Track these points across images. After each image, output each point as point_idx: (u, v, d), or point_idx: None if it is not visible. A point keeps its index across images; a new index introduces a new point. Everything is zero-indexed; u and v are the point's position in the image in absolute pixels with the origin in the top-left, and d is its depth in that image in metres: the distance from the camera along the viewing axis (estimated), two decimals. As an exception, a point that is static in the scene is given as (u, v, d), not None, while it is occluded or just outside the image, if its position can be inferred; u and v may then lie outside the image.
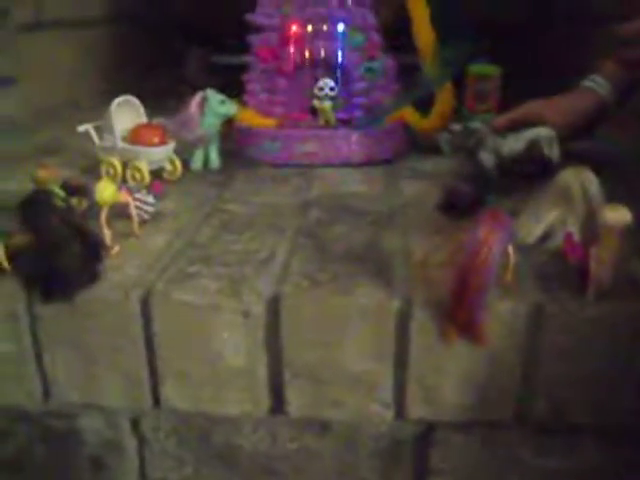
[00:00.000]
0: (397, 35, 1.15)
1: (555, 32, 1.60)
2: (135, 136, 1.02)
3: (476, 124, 1.01)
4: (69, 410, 0.78)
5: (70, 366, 0.73)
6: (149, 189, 0.88)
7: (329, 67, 1.14)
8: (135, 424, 0.78)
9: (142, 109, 1.06)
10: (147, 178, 0.99)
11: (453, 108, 1.17)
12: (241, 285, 0.70)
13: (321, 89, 1.12)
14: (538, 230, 0.76)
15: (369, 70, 1.15)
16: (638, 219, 0.63)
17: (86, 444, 0.79)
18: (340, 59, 1.14)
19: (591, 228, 0.70)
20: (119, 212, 0.82)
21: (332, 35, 1.13)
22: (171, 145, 1.04)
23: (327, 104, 1.12)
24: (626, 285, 0.67)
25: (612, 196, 0.70)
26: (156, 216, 0.87)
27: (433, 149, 1.15)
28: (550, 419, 0.69)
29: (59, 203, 0.72)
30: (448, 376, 0.68)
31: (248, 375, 0.71)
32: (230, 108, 1.07)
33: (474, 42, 1.08)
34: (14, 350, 0.73)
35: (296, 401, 0.72)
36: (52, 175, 0.85)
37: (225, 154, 1.13)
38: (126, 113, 1.04)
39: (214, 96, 1.05)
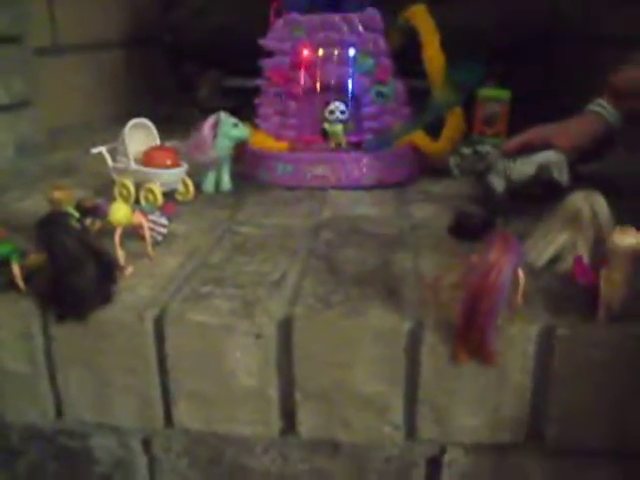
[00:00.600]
0: (407, 59, 1.16)
1: (564, 54, 1.61)
2: (148, 158, 1.04)
3: (486, 148, 1.02)
4: (81, 429, 0.78)
5: (83, 385, 0.74)
6: (162, 211, 0.89)
7: (340, 91, 1.15)
8: (147, 444, 0.78)
9: (155, 131, 1.07)
10: (160, 200, 0.99)
11: (463, 132, 1.18)
12: (253, 306, 0.71)
13: (332, 112, 1.13)
14: (548, 253, 0.77)
15: (379, 94, 1.16)
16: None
17: (98, 463, 0.80)
18: (351, 83, 1.15)
19: (601, 251, 0.70)
20: (132, 233, 0.83)
21: (343, 59, 1.15)
22: (184, 167, 1.05)
23: (338, 127, 1.13)
24: (637, 307, 0.67)
25: (621, 219, 0.71)
26: (169, 238, 0.88)
27: (443, 172, 1.16)
28: (562, 442, 0.69)
29: (74, 224, 0.72)
30: (459, 398, 0.68)
31: (260, 396, 0.71)
32: (242, 131, 1.08)
33: (484, 66, 1.09)
34: (28, 369, 0.74)
35: (307, 422, 0.72)
36: (67, 196, 0.87)
37: (237, 177, 1.14)
38: (139, 135, 1.05)
39: (227, 119, 1.06)
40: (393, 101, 1.18)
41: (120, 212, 0.79)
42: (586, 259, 0.71)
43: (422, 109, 1.15)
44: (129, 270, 0.78)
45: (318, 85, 1.16)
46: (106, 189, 1.07)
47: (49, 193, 0.87)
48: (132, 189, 1.03)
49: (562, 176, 0.95)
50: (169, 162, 1.04)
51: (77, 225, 0.75)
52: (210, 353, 0.70)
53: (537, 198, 0.95)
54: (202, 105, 1.69)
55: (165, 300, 0.72)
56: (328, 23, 1.15)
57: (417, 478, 0.75)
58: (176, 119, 1.37)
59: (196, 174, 1.09)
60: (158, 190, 1.00)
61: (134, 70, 1.82)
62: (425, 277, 0.77)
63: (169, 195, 1.04)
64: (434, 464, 0.74)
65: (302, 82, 1.16)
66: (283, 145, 1.17)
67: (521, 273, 0.66)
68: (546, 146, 0.99)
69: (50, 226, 0.68)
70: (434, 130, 1.18)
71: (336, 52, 1.15)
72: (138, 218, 0.81)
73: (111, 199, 0.93)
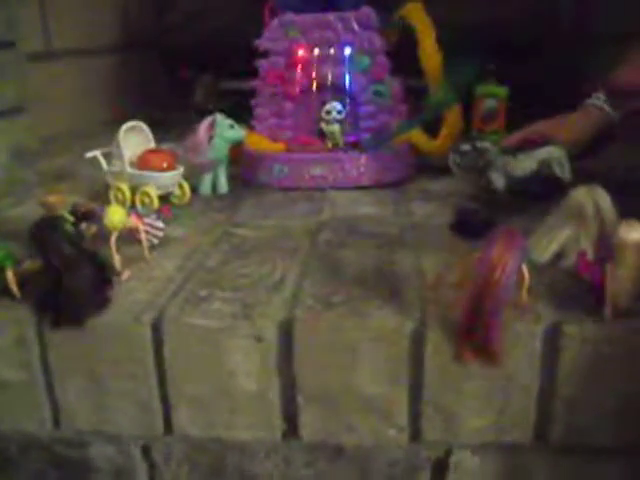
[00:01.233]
0: (403, 57, 1.15)
1: (560, 52, 1.61)
2: (144, 161, 1.03)
3: (485, 144, 1.01)
4: (80, 437, 0.77)
5: (81, 393, 0.72)
6: (158, 214, 0.88)
7: (336, 90, 1.14)
8: (146, 451, 0.77)
9: (150, 134, 1.06)
10: (156, 203, 0.98)
11: (461, 129, 1.17)
12: (253, 309, 0.69)
13: (328, 112, 1.12)
14: (551, 249, 0.76)
15: (376, 93, 1.15)
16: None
17: (97, 471, 0.78)
18: (347, 82, 1.14)
19: (605, 246, 0.69)
20: (128, 237, 0.82)
21: (339, 59, 1.14)
22: (180, 170, 1.04)
23: (335, 127, 1.12)
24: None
25: (625, 213, 0.70)
26: (165, 241, 0.87)
27: (442, 170, 1.14)
28: (569, 441, 0.68)
29: (69, 228, 0.71)
30: (464, 398, 0.67)
31: (261, 400, 0.70)
32: (239, 133, 1.07)
33: (481, 63, 1.08)
34: (24, 377, 0.73)
35: (310, 426, 0.71)
36: (61, 200, 0.86)
37: (234, 179, 1.13)
38: (135, 139, 1.04)
39: (223, 121, 1.05)
40: (390, 100, 1.17)
41: (116, 216, 0.78)
42: (590, 254, 0.70)
43: (419, 107, 1.14)
44: (126, 274, 0.77)
45: (314, 85, 1.15)
46: (101, 194, 1.05)
47: (43, 198, 0.86)
48: (127, 193, 1.01)
49: (563, 171, 0.94)
50: (165, 165, 1.03)
51: (72, 229, 0.74)
52: (209, 357, 0.69)
53: (538, 194, 0.94)
54: (197, 108, 1.68)
55: (163, 304, 0.71)
56: (323, 22, 1.14)
57: (423, 480, 0.74)
58: (171, 122, 1.36)
59: (192, 177, 1.08)
60: (154, 193, 0.99)
61: (128, 75, 1.81)
62: (427, 276, 0.76)
63: (165, 198, 1.03)
64: (440, 466, 0.73)
65: (298, 82, 1.15)
66: (279, 146, 1.16)
67: (525, 270, 0.65)
68: (547, 141, 0.98)
69: (44, 230, 0.67)
70: (432, 128, 1.17)
71: (332, 51, 1.14)
72: (134, 221, 0.80)
73: (106, 204, 0.92)
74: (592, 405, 0.66)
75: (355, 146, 1.14)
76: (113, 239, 0.77)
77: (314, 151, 1.13)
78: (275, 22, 1.17)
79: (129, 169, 1.02)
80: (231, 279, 0.77)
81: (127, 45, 1.81)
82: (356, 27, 1.14)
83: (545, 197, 0.89)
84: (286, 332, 0.68)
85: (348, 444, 0.72)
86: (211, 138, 1.05)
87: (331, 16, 1.14)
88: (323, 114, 1.12)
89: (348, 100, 1.14)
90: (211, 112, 1.08)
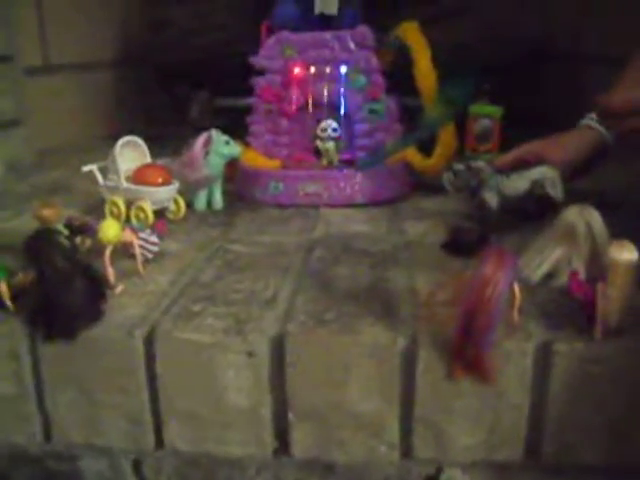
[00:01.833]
0: (399, 77, 1.16)
1: (553, 72, 1.62)
2: (139, 176, 1.03)
3: (479, 163, 1.01)
4: (70, 451, 0.76)
5: (72, 406, 0.72)
6: (153, 229, 0.88)
7: (332, 108, 1.15)
8: (137, 465, 0.76)
9: (146, 149, 1.06)
10: (151, 218, 0.99)
11: (455, 149, 1.18)
12: (245, 324, 0.69)
13: (324, 130, 1.12)
14: (543, 268, 0.76)
15: (372, 111, 1.16)
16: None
17: (87, 486, 0.78)
18: (343, 101, 1.15)
19: (596, 266, 0.70)
20: (123, 251, 0.82)
21: (335, 77, 1.15)
22: (175, 185, 1.04)
23: (330, 145, 1.13)
24: (634, 322, 0.66)
25: (616, 233, 0.70)
26: (160, 256, 0.87)
27: (436, 189, 1.15)
28: (559, 459, 0.68)
29: (63, 241, 0.71)
30: (455, 415, 0.67)
31: (252, 415, 0.70)
32: (234, 149, 1.07)
33: (475, 83, 1.09)
34: (15, 390, 0.73)
35: (301, 442, 0.71)
36: (56, 213, 0.86)
37: (229, 195, 1.14)
38: (130, 153, 1.04)
39: (219, 137, 1.06)
40: (385, 118, 1.17)
41: (110, 230, 0.78)
42: (582, 274, 0.71)
43: (414, 126, 1.14)
44: (119, 288, 0.77)
45: (310, 103, 1.16)
46: (96, 209, 1.06)
47: (37, 210, 0.86)
48: (123, 207, 1.02)
49: (556, 191, 0.95)
50: (160, 180, 1.03)
51: (66, 242, 0.74)
52: (201, 372, 0.69)
53: (531, 214, 0.94)
54: (193, 125, 1.69)
55: (155, 318, 0.71)
56: (319, 41, 1.15)
57: (413, 498, 0.74)
58: (167, 138, 1.37)
59: (187, 192, 1.08)
60: (149, 208, 0.99)
61: (125, 90, 1.81)
62: (419, 294, 0.76)
63: (160, 213, 1.03)
64: (431, 484, 0.73)
65: (294, 100, 1.16)
66: (274, 163, 1.16)
67: (517, 288, 0.66)
68: (540, 161, 0.99)
69: (38, 242, 0.67)
70: (426, 147, 1.17)
71: (328, 70, 1.15)
72: (128, 236, 0.80)
73: (101, 218, 0.92)
74: (582, 423, 0.66)
75: (350, 164, 1.15)
76: (107, 253, 0.77)
77: (309, 168, 1.14)
78: (272, 40, 1.18)
79: (125, 184, 1.02)
80: (224, 294, 0.77)
81: (124, 60, 1.82)
82: (352, 46, 1.15)
83: (537, 217, 0.90)
84: (278, 348, 0.68)
85: (339, 461, 0.72)
86: (207, 154, 1.06)
87: (328, 35, 1.15)
88: (318, 132, 1.13)
89: (343, 118, 1.15)
90: (207, 128, 1.09)
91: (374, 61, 1.15)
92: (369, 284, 0.79)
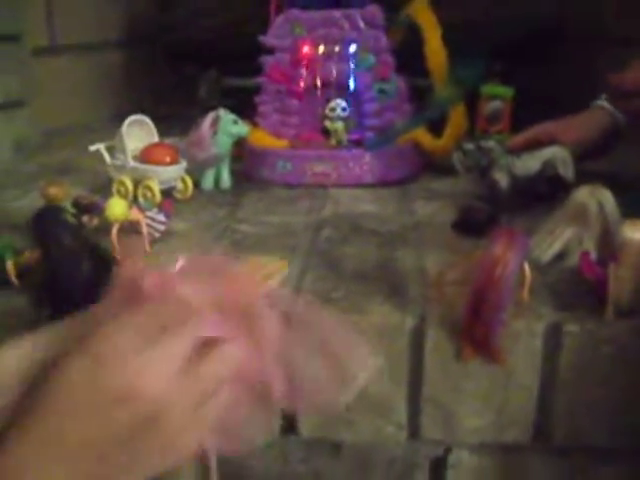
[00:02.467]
0: (409, 56, 1.15)
1: (566, 53, 1.60)
2: (147, 155, 1.02)
3: (490, 143, 1.00)
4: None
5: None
6: (160, 208, 0.87)
7: (341, 88, 1.14)
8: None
9: (154, 128, 1.06)
10: (158, 197, 0.98)
11: (465, 129, 1.17)
12: (253, 303, 0.69)
13: (333, 110, 1.12)
14: (554, 248, 0.75)
15: (381, 91, 1.15)
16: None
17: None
18: (352, 80, 1.14)
19: (608, 246, 0.69)
20: (130, 230, 0.82)
21: (344, 56, 1.14)
22: (182, 164, 1.03)
23: (339, 125, 1.12)
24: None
25: (628, 213, 0.69)
26: (167, 235, 0.86)
27: (446, 169, 1.14)
28: (568, 441, 0.68)
29: (70, 219, 0.71)
30: (464, 396, 0.67)
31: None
32: (242, 128, 1.06)
33: (485, 62, 1.08)
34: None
35: (308, 421, 0.70)
36: (63, 192, 0.85)
37: (236, 174, 1.13)
38: (138, 132, 1.04)
39: (227, 116, 1.05)
40: (395, 98, 1.16)
41: (117, 208, 0.78)
42: (593, 254, 0.70)
43: (424, 106, 1.13)
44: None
45: (319, 82, 1.14)
46: (104, 188, 1.05)
47: (44, 189, 0.85)
48: (130, 186, 1.01)
49: (567, 171, 0.94)
50: (168, 159, 1.02)
51: (73, 221, 0.74)
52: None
53: (542, 194, 0.93)
54: (202, 104, 1.68)
55: (162, 297, 0.70)
56: (329, 19, 1.14)
57: (421, 479, 0.73)
58: (175, 117, 1.36)
59: (195, 171, 1.08)
60: (156, 187, 0.99)
61: (132, 70, 1.80)
62: (429, 273, 0.75)
63: (168, 193, 1.03)
64: (438, 465, 0.73)
65: (303, 79, 1.15)
66: (283, 142, 1.16)
67: (527, 268, 0.65)
68: (552, 142, 0.98)
69: (45, 220, 0.67)
70: (436, 127, 1.16)
71: (337, 49, 1.14)
72: (135, 214, 0.80)
73: (109, 197, 0.92)
74: (592, 405, 0.66)
75: (359, 144, 1.14)
76: (114, 231, 0.77)
77: (317, 148, 1.13)
78: (281, 19, 1.17)
79: (132, 163, 1.01)
80: (232, 273, 0.76)
81: (131, 40, 1.80)
82: (362, 25, 1.13)
83: (549, 197, 0.89)
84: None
85: (346, 441, 0.72)
86: (215, 133, 1.05)
87: (337, 13, 1.14)
88: (327, 111, 1.12)
89: (352, 98, 1.14)
90: (215, 108, 1.08)
91: (384, 40, 1.14)
92: (378, 264, 0.79)
